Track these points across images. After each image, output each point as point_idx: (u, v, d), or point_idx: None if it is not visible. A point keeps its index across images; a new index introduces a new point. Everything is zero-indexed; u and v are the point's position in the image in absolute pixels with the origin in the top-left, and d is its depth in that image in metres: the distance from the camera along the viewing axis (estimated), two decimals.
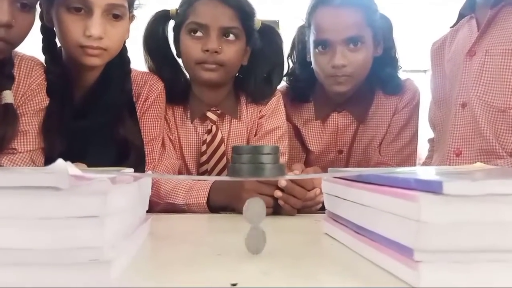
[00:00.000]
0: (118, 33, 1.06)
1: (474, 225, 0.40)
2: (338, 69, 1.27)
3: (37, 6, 1.02)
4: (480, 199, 0.39)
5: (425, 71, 4.59)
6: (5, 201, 0.40)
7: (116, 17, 1.05)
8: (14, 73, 1.05)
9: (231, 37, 1.19)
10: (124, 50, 1.17)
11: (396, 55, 1.43)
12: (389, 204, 0.45)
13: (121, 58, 1.16)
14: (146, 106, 1.19)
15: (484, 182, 0.39)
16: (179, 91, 1.27)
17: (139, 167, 1.10)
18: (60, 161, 0.42)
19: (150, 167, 1.17)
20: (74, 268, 0.40)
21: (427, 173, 0.55)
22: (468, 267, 0.40)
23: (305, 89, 1.45)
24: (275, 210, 0.98)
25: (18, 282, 0.40)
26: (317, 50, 1.32)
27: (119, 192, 0.45)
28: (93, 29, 1.00)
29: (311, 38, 1.33)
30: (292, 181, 0.97)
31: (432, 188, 0.40)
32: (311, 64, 1.39)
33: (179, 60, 1.28)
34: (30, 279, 0.40)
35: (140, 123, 1.18)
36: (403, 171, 0.56)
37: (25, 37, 1.00)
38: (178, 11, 1.24)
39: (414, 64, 3.46)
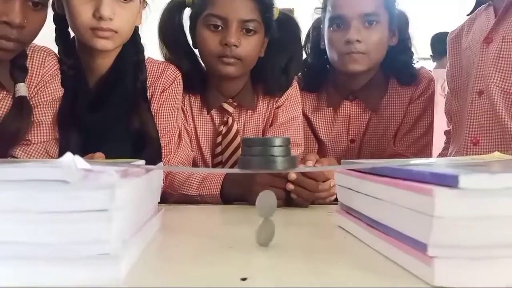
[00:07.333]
0: (128, 14, 1.05)
1: (491, 220, 0.38)
2: (352, 44, 1.25)
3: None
4: (498, 193, 0.38)
5: None
6: (12, 194, 0.39)
7: None
8: (27, 65, 1.05)
9: (250, 31, 1.16)
10: (137, 37, 1.15)
11: (412, 47, 1.40)
12: (403, 198, 0.44)
13: (134, 46, 1.15)
14: (163, 97, 1.17)
15: (502, 175, 0.38)
16: (196, 82, 1.25)
17: (156, 159, 1.08)
18: (68, 154, 0.41)
19: (166, 159, 1.15)
20: (82, 263, 0.39)
21: (443, 165, 0.53)
22: (484, 263, 0.39)
23: (317, 78, 1.43)
24: (287, 202, 0.96)
25: (25, 276, 0.39)
26: (331, 28, 1.30)
27: (128, 185, 0.45)
28: (103, 10, 0.99)
29: (326, 17, 1.31)
30: (302, 173, 0.95)
31: (448, 182, 0.39)
32: (324, 53, 1.37)
33: (196, 50, 1.25)
34: (37, 274, 0.39)
35: (157, 114, 1.16)
36: (418, 163, 0.54)
37: (36, 35, 1.00)
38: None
39: (427, 51, 3.43)
